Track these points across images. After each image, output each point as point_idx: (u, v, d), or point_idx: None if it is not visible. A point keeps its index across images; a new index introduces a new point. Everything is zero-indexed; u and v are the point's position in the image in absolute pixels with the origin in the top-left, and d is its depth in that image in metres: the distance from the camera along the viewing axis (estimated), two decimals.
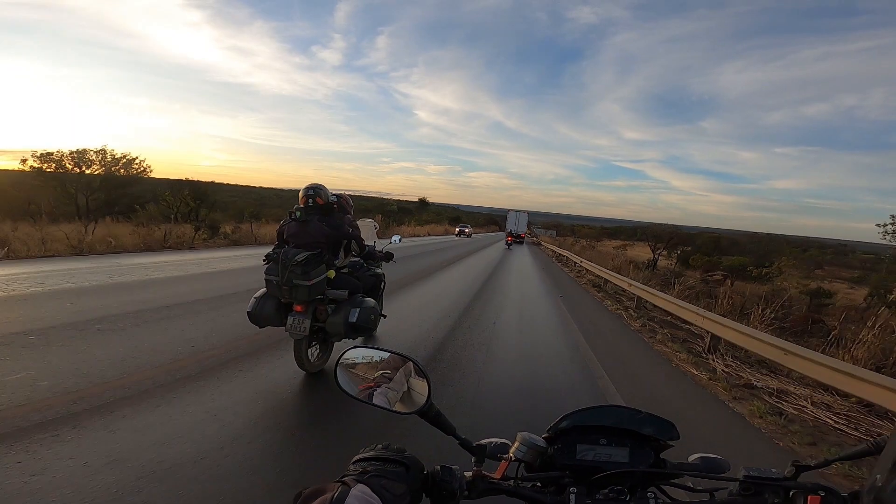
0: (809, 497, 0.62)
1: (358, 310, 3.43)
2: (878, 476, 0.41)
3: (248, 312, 3.46)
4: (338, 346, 3.86)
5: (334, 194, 3.79)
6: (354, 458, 0.61)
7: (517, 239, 34.43)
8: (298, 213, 3.51)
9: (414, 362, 0.77)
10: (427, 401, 0.71)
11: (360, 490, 0.52)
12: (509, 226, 37.87)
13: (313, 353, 3.61)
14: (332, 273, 3.47)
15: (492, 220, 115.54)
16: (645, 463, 0.75)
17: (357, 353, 0.81)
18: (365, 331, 3.57)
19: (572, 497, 0.67)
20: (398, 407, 0.74)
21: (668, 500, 0.72)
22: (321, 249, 3.44)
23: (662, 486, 0.76)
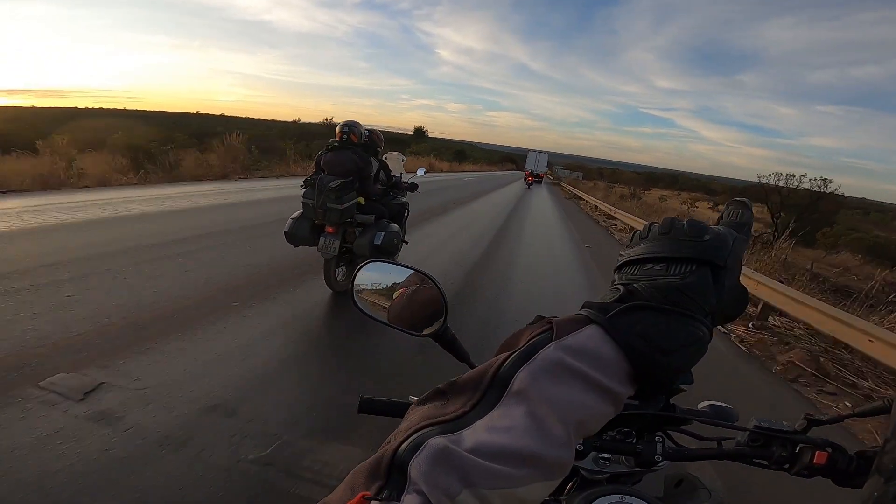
0: (817, 452, 0.62)
1: (383, 233, 3.82)
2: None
3: (284, 232, 3.87)
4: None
5: (367, 130, 4.14)
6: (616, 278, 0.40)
7: (536, 179, 33.57)
8: (335, 146, 3.90)
9: (431, 279, 0.73)
10: (442, 324, 0.70)
11: (570, 345, 0.34)
12: (529, 165, 37.41)
13: (340, 272, 3.99)
14: (361, 199, 3.86)
15: (508, 157, 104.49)
16: (654, 406, 0.70)
17: (373, 270, 0.79)
18: (388, 253, 3.90)
19: None
20: (412, 328, 0.72)
21: (674, 446, 0.71)
22: (353, 178, 3.78)
23: (670, 432, 0.73)
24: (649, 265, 0.39)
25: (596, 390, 0.32)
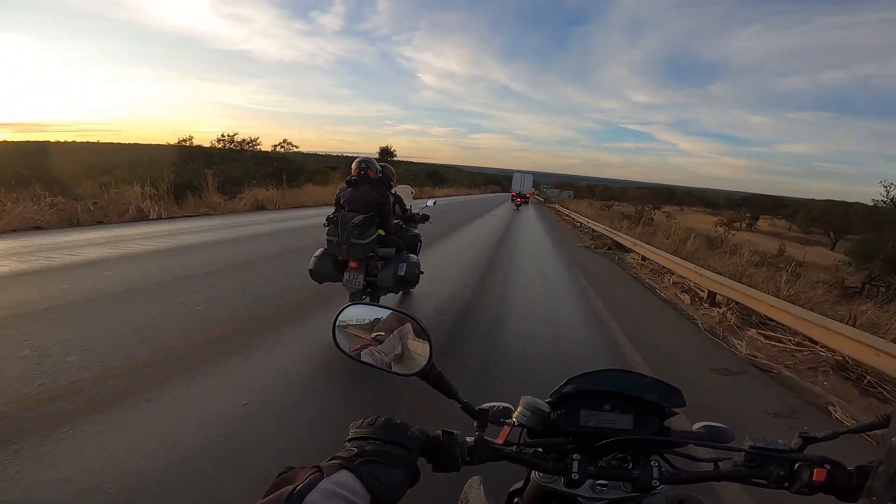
0: (815, 470, 0.62)
1: (405, 265, 4.01)
2: (894, 439, 0.41)
3: (309, 270, 3.96)
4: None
5: (380, 165, 4.27)
6: (350, 434, 0.60)
7: (524, 199, 34.25)
8: (353, 182, 3.97)
9: (415, 321, 0.75)
10: (428, 362, 0.70)
11: (336, 480, 0.50)
12: (515, 186, 38.45)
13: None
14: (382, 232, 4.00)
15: (492, 179, 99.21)
16: (649, 430, 0.76)
17: (356, 311, 0.80)
18: (410, 283, 4.18)
19: (575, 464, 0.68)
20: (398, 367, 0.74)
21: (671, 469, 0.71)
22: (373, 213, 3.88)
23: (666, 455, 0.76)
24: (371, 440, 0.58)
25: None
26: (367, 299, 4.01)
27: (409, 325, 0.75)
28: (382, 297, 4.21)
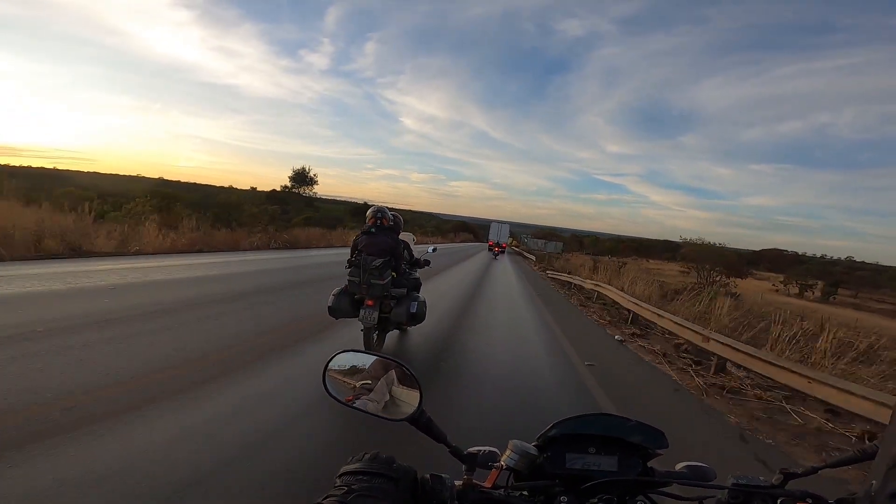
0: None
1: (416, 303, 4.58)
2: (874, 482, 0.43)
3: (328, 307, 4.46)
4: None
5: (392, 214, 4.78)
6: (340, 471, 0.62)
7: (501, 249, 34.10)
8: (373, 230, 4.52)
9: (405, 368, 0.77)
10: (418, 407, 0.73)
11: None
12: (492, 236, 38.26)
13: (375, 339, 4.54)
14: (395, 274, 4.49)
15: (463, 226, 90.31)
16: (633, 471, 0.79)
17: (347, 358, 0.82)
18: (420, 319, 4.71)
19: None
20: (389, 413, 0.75)
21: None
22: (389, 257, 4.41)
23: (651, 495, 0.77)
24: (359, 476, 0.59)
25: None
26: (377, 334, 4.55)
27: (399, 372, 0.78)
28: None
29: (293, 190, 40.14)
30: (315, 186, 41.73)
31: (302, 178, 40.97)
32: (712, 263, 22.24)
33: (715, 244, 24.22)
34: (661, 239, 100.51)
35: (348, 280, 4.39)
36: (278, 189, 40.03)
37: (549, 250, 65.84)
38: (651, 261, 65.40)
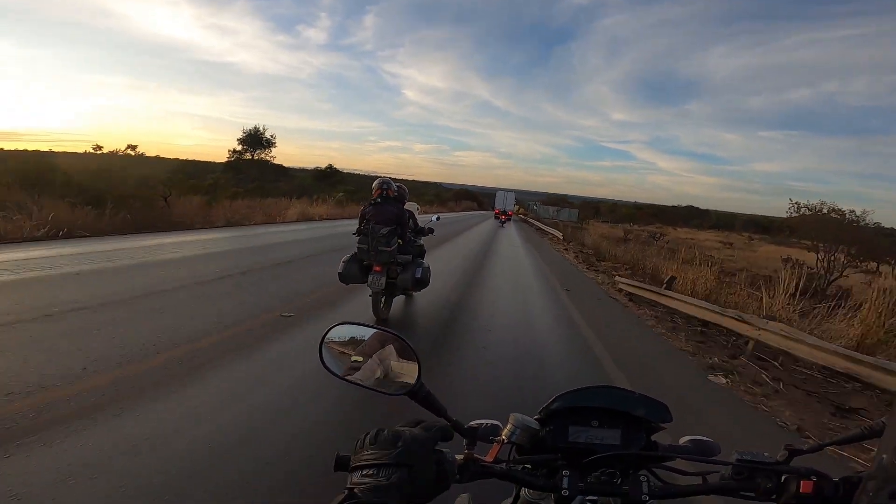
0: (802, 482, 0.64)
1: (420, 269, 4.82)
2: (885, 456, 0.42)
3: (338, 273, 4.72)
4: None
5: (397, 185, 4.99)
6: (353, 464, 0.58)
7: (507, 217, 34.56)
8: (379, 200, 4.73)
9: (403, 340, 0.76)
10: (417, 381, 0.71)
11: None
12: (498, 204, 38.24)
13: (382, 303, 4.83)
14: (400, 242, 4.75)
15: (466, 193, 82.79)
16: (637, 445, 0.78)
17: (343, 331, 0.79)
18: (424, 284, 4.93)
19: (564, 479, 0.69)
20: (387, 387, 0.74)
21: (660, 483, 0.72)
22: (395, 225, 4.66)
23: (654, 469, 0.77)
24: (367, 470, 0.54)
25: None
26: (384, 299, 4.82)
27: (397, 344, 0.76)
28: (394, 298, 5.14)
29: (244, 156, 33.33)
30: (273, 150, 34.64)
31: (255, 140, 33.74)
32: (839, 241, 14.84)
33: (844, 214, 15.69)
34: (684, 205, 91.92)
35: (357, 247, 4.66)
36: (235, 155, 33.45)
37: (563, 218, 58.07)
38: (677, 228, 58.80)
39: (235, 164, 33.04)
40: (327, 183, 33.95)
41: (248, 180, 31.12)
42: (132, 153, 24.42)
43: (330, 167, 38.18)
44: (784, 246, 52.28)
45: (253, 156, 34.00)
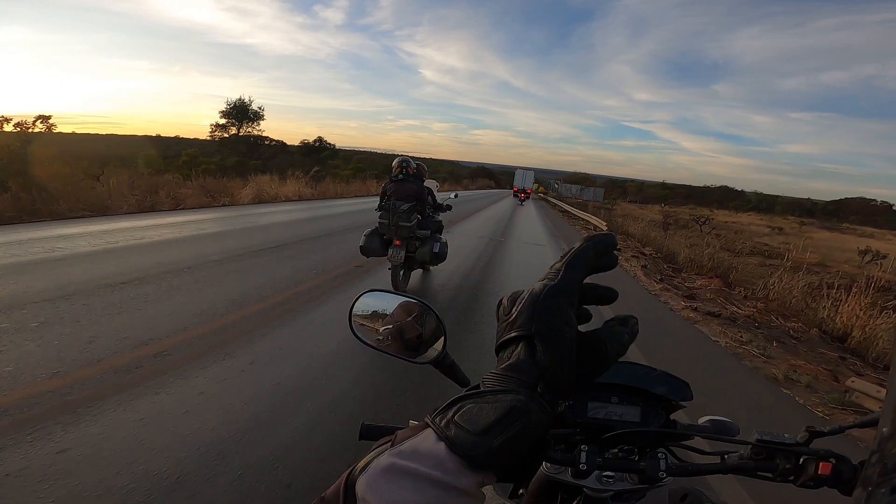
0: (821, 464, 0.63)
1: (438, 244, 5.02)
2: (885, 429, 0.37)
3: (360, 246, 4.94)
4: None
5: (416, 164, 5.18)
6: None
7: (525, 195, 34.32)
8: (400, 177, 4.98)
9: (430, 309, 0.76)
10: (442, 350, 0.73)
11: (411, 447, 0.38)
12: (517, 183, 38.53)
13: (401, 276, 4.97)
14: (419, 217, 4.95)
15: (483, 171, 77.82)
16: (656, 423, 0.77)
17: (371, 299, 0.80)
18: (442, 258, 5.11)
19: (582, 454, 0.67)
20: (413, 355, 0.75)
21: (677, 462, 0.71)
22: (415, 202, 4.86)
23: (672, 447, 0.76)
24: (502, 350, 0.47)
25: (432, 487, 0.35)
26: (403, 272, 4.99)
27: (425, 312, 0.75)
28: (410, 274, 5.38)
29: (228, 132, 29.14)
30: (261, 123, 30.30)
31: (242, 113, 29.45)
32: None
33: None
34: (717, 186, 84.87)
35: (378, 222, 4.84)
36: (218, 130, 29.37)
37: (587, 198, 53.15)
38: (714, 210, 53.33)
39: (233, 141, 29.16)
40: (315, 158, 29.58)
41: (237, 156, 27.27)
42: (42, 128, 20.52)
43: (319, 141, 33.31)
44: (837, 232, 47.45)
45: (239, 130, 29.88)
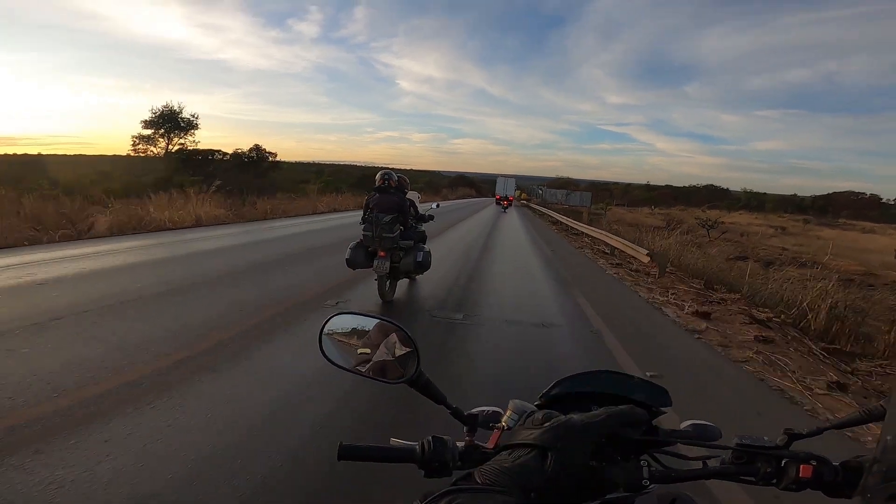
0: (802, 466, 0.64)
1: (422, 253, 5.12)
2: (889, 438, 0.40)
3: (346, 259, 5.00)
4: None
5: (398, 176, 5.35)
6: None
7: (508, 203, 34.30)
8: (380, 189, 5.08)
9: (401, 329, 0.76)
10: (415, 369, 0.72)
11: None
12: (499, 190, 38.68)
13: (387, 286, 5.05)
14: (402, 228, 4.98)
15: (463, 179, 74.26)
16: (638, 430, 0.75)
17: (342, 321, 0.79)
18: (425, 268, 5.25)
19: None
20: (387, 376, 0.74)
21: (661, 468, 0.72)
22: (397, 213, 4.92)
23: (655, 454, 0.76)
24: (507, 450, 0.54)
25: None
26: (389, 283, 5.04)
27: (396, 333, 0.75)
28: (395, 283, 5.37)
29: (157, 143, 24.55)
30: (195, 132, 25.63)
31: (171, 122, 24.84)
32: None
33: None
34: (702, 185, 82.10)
35: (363, 234, 4.91)
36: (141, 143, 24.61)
37: (574, 203, 49.84)
38: (705, 211, 50.24)
39: (174, 157, 24.44)
40: (254, 173, 24.95)
41: (175, 172, 22.75)
42: None
43: (257, 150, 27.86)
44: (839, 229, 44.99)
45: (169, 142, 25.23)
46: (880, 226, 47.62)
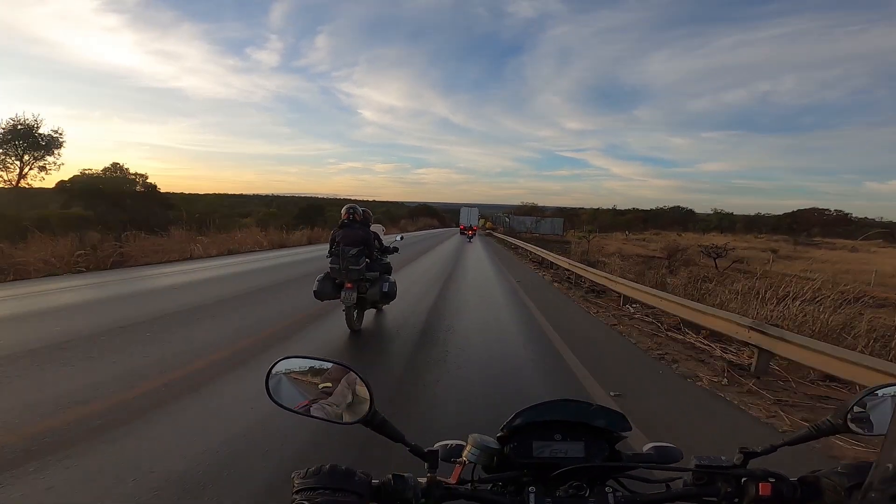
0: (761, 484, 0.63)
1: (387, 283, 5.37)
2: (890, 466, 0.39)
3: (313, 291, 5.14)
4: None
5: (363, 210, 5.55)
6: (295, 486, 0.59)
7: (472, 232, 33.77)
8: (346, 223, 5.28)
9: (354, 371, 0.75)
10: (370, 409, 0.71)
11: None
12: (463, 220, 37.96)
13: (355, 316, 5.19)
14: (368, 260, 5.17)
15: (426, 209, 69.91)
16: (600, 456, 0.77)
17: (293, 364, 0.77)
18: (391, 297, 5.48)
19: (531, 496, 0.68)
20: (338, 417, 0.73)
21: (626, 493, 0.72)
22: (363, 246, 5.14)
23: (620, 479, 0.77)
24: (319, 491, 0.57)
25: None
26: (356, 312, 5.17)
27: (346, 374, 0.74)
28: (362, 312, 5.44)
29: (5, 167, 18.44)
30: (58, 151, 19.65)
31: (26, 140, 18.66)
32: None
33: None
34: (669, 207, 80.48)
35: (330, 267, 5.06)
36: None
37: (544, 231, 45.87)
38: (682, 235, 47.63)
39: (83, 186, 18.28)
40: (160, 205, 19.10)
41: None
42: None
43: (120, 169, 21.70)
44: (825, 248, 42.83)
45: (22, 165, 19.13)
46: (861, 243, 46.02)
